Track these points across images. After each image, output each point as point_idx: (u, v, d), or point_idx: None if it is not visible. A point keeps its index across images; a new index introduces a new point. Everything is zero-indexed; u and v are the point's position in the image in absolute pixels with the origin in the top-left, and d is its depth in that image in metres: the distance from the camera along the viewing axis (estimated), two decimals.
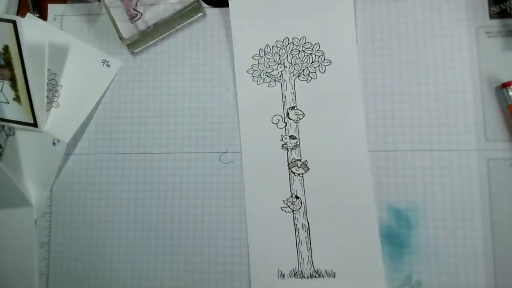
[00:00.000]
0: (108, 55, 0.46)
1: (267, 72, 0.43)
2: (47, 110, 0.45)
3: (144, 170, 0.44)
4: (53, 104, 0.45)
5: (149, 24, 0.43)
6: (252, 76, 0.44)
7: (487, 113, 0.40)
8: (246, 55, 0.44)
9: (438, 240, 0.39)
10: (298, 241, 0.41)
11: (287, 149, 0.42)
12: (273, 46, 0.44)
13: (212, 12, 0.46)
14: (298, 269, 0.41)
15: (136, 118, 0.45)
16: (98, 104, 0.46)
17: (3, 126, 0.46)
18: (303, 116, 0.42)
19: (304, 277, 0.40)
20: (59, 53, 0.46)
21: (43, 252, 0.44)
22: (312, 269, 0.40)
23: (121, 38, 0.43)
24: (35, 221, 0.45)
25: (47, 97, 0.45)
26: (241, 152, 0.43)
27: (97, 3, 0.47)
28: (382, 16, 0.43)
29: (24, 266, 0.44)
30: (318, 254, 0.41)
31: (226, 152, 0.43)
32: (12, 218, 0.45)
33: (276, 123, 0.43)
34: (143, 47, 0.46)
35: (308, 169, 0.42)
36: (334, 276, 0.40)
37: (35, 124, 0.44)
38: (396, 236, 0.40)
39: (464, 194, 0.40)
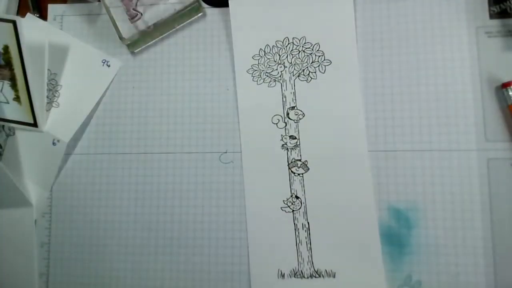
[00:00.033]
0: (108, 55, 0.46)
1: (267, 72, 0.43)
2: (47, 110, 0.45)
3: (144, 170, 0.44)
4: (53, 104, 0.45)
5: (149, 24, 0.43)
6: (252, 76, 0.44)
7: (487, 113, 0.40)
8: (246, 55, 0.44)
9: (438, 240, 0.39)
10: (298, 241, 0.41)
11: (287, 149, 0.42)
12: (273, 46, 0.44)
13: (212, 12, 0.46)
14: (298, 269, 0.41)
15: (136, 118, 0.45)
16: (98, 104, 0.46)
17: (3, 126, 0.46)
18: (303, 116, 0.42)
19: (304, 277, 0.40)
20: (59, 53, 0.46)
21: (43, 252, 0.44)
22: (312, 269, 0.40)
23: (121, 38, 0.43)
24: (35, 221, 0.45)
25: (47, 97, 0.45)
26: (241, 152, 0.43)
27: (97, 3, 0.47)
28: (382, 16, 0.43)
29: (24, 266, 0.44)
30: (318, 254, 0.41)
31: (226, 152, 0.43)
32: (12, 218, 0.45)
33: (276, 123, 0.43)
34: (143, 47, 0.46)
35: (308, 169, 0.42)
36: (334, 276, 0.40)
37: (35, 124, 0.44)
38: (396, 236, 0.40)
39: (464, 194, 0.40)
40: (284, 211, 0.41)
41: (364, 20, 0.43)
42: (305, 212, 0.41)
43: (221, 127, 0.44)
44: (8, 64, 0.42)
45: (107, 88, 0.46)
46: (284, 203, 0.42)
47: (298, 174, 0.42)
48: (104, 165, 0.45)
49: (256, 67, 0.44)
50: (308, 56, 0.43)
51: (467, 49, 0.41)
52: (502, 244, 0.39)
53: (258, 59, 0.44)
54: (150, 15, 0.44)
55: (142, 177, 0.44)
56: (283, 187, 0.42)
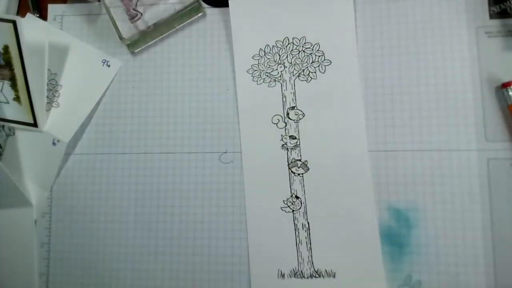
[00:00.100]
0: (108, 55, 0.46)
1: (267, 72, 0.43)
2: (47, 110, 0.45)
3: (144, 170, 0.44)
4: (53, 104, 0.45)
5: (149, 24, 0.43)
6: (252, 76, 0.44)
7: (487, 113, 0.40)
8: (246, 55, 0.44)
9: (438, 240, 0.39)
10: (298, 241, 0.41)
11: (287, 149, 0.42)
12: (273, 46, 0.44)
13: (212, 12, 0.46)
14: (298, 269, 0.41)
15: (136, 118, 0.45)
16: (98, 104, 0.46)
17: (3, 126, 0.46)
18: (303, 116, 0.42)
19: (304, 277, 0.40)
20: (59, 53, 0.46)
21: (43, 252, 0.44)
22: (312, 269, 0.40)
23: (121, 38, 0.43)
24: (35, 221, 0.45)
25: (47, 97, 0.45)
26: (241, 152, 0.43)
27: (97, 3, 0.47)
28: (382, 16, 0.43)
29: (24, 266, 0.44)
30: (318, 254, 0.41)
31: (226, 152, 0.43)
32: (12, 218, 0.45)
33: (276, 123, 0.43)
34: (143, 47, 0.46)
35: (308, 169, 0.42)
36: (334, 276, 0.40)
37: (35, 124, 0.44)
38: (396, 236, 0.40)
39: (464, 194, 0.40)
40: (284, 211, 0.41)
41: (364, 20, 0.43)
42: (305, 212, 0.41)
43: (221, 127, 0.44)
44: (8, 64, 0.42)
45: (107, 88, 0.46)
46: (284, 203, 0.42)
47: (298, 174, 0.42)
48: (104, 165, 0.45)
49: (256, 67, 0.44)
50: (308, 56, 0.43)
51: (467, 49, 0.41)
52: (502, 244, 0.39)
53: (258, 59, 0.44)
54: (150, 15, 0.44)
55: (142, 177, 0.44)
56: (283, 187, 0.42)
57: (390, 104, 0.42)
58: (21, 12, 0.48)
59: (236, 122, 0.44)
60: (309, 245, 0.41)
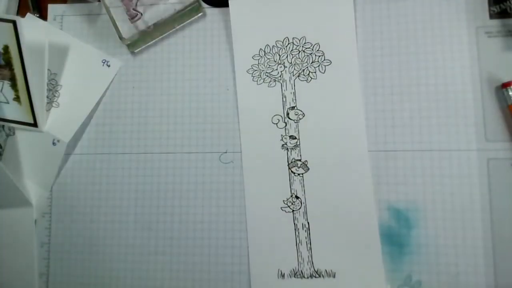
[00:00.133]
0: (108, 55, 0.46)
1: (267, 72, 0.43)
2: (47, 110, 0.45)
3: (144, 170, 0.44)
4: (53, 104, 0.45)
5: (149, 24, 0.43)
6: (252, 76, 0.44)
7: (487, 113, 0.40)
8: (246, 55, 0.44)
9: (438, 240, 0.39)
10: (298, 241, 0.41)
11: (287, 149, 0.42)
12: (273, 46, 0.44)
13: (212, 12, 0.46)
14: (298, 269, 0.41)
15: (136, 118, 0.45)
16: (98, 104, 0.46)
17: (3, 126, 0.46)
18: (303, 116, 0.42)
19: (304, 277, 0.40)
20: (59, 53, 0.46)
21: (43, 252, 0.44)
22: (312, 269, 0.40)
23: (121, 38, 0.43)
24: (35, 221, 0.45)
25: (47, 97, 0.45)
26: (241, 152, 0.43)
27: (97, 3, 0.47)
28: (382, 16, 0.43)
29: (24, 266, 0.44)
30: (318, 254, 0.41)
31: (226, 152, 0.43)
32: (12, 218, 0.45)
33: (276, 123, 0.43)
34: (143, 47, 0.46)
35: (308, 169, 0.42)
36: (334, 276, 0.40)
37: (35, 124, 0.44)
38: (396, 236, 0.40)
39: (464, 194, 0.40)
40: (284, 211, 0.41)
41: (364, 20, 0.43)
42: (305, 212, 0.41)
43: (221, 127, 0.44)
44: (8, 64, 0.42)
45: (107, 88, 0.46)
46: (284, 203, 0.42)
47: (298, 174, 0.42)
48: (104, 165, 0.45)
49: (256, 67, 0.44)
50: (308, 56, 0.43)
51: (467, 49, 0.41)
52: (502, 244, 0.39)
53: (258, 59, 0.44)
54: (150, 15, 0.44)
55: (142, 177, 0.44)
56: (283, 187, 0.42)
57: (390, 104, 0.42)
58: (21, 12, 0.48)
59: (236, 122, 0.44)
60: (309, 245, 0.41)
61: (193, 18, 0.45)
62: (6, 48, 0.42)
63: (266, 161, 0.42)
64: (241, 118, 0.43)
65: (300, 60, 0.43)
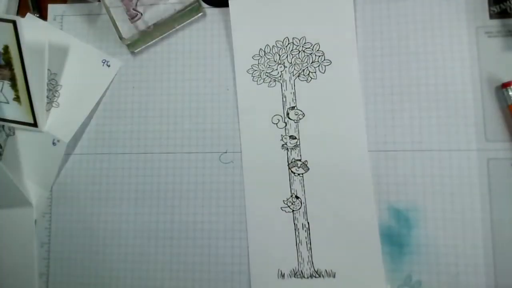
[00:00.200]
0: (108, 55, 0.46)
1: (267, 72, 0.43)
2: (47, 110, 0.45)
3: (144, 170, 0.44)
4: (53, 104, 0.45)
5: (149, 24, 0.43)
6: (252, 76, 0.44)
7: (487, 113, 0.40)
8: (246, 55, 0.44)
9: (438, 240, 0.39)
10: (298, 241, 0.41)
11: (287, 149, 0.42)
12: (273, 46, 0.44)
13: (212, 12, 0.46)
14: (298, 269, 0.41)
15: (136, 118, 0.45)
16: (98, 104, 0.46)
17: (3, 126, 0.46)
18: (303, 116, 0.42)
19: (304, 277, 0.40)
20: (59, 53, 0.46)
21: (43, 252, 0.44)
22: (312, 269, 0.40)
23: (121, 38, 0.43)
24: (35, 221, 0.45)
25: (47, 97, 0.45)
26: (241, 152, 0.43)
27: (97, 3, 0.47)
28: (382, 16, 0.43)
29: (24, 266, 0.44)
30: (318, 254, 0.41)
31: (226, 152, 0.43)
32: (12, 218, 0.45)
33: (276, 123, 0.43)
34: (143, 47, 0.46)
35: (308, 169, 0.42)
36: (334, 276, 0.40)
37: (35, 124, 0.44)
38: (396, 236, 0.40)
39: (464, 194, 0.40)
40: (284, 211, 0.41)
41: (364, 20, 0.43)
42: (305, 212, 0.41)
43: (221, 127, 0.44)
44: (8, 64, 0.42)
45: (107, 88, 0.46)
46: (284, 203, 0.42)
47: (298, 174, 0.42)
48: (104, 165, 0.45)
49: (256, 67, 0.44)
50: (308, 56, 0.43)
51: (467, 49, 0.41)
52: (502, 244, 0.39)
53: (258, 59, 0.44)
54: (150, 15, 0.44)
55: (142, 177, 0.44)
56: (283, 187, 0.42)
57: (390, 104, 0.42)
58: (21, 12, 0.48)
59: (236, 122, 0.44)
60: (309, 245, 0.41)
61: (193, 18, 0.45)
62: (6, 48, 0.42)
63: (266, 161, 0.42)
64: (241, 118, 0.43)
65: (300, 60, 0.43)
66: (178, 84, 0.45)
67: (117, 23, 0.43)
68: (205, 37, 0.45)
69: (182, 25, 0.45)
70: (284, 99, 0.43)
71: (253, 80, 0.43)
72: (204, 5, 0.45)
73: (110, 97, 0.46)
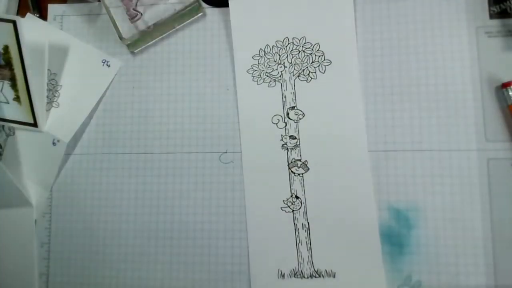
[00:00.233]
0: (108, 55, 0.46)
1: (267, 72, 0.43)
2: (47, 110, 0.45)
3: (144, 170, 0.44)
4: (53, 104, 0.45)
5: (149, 24, 0.43)
6: (252, 76, 0.44)
7: (487, 113, 0.40)
8: (246, 55, 0.44)
9: (438, 240, 0.39)
10: (298, 241, 0.41)
11: (287, 149, 0.42)
12: (273, 46, 0.44)
13: (212, 12, 0.46)
14: (298, 269, 0.41)
15: (136, 118, 0.45)
16: (98, 104, 0.46)
17: (3, 126, 0.46)
18: (303, 116, 0.42)
19: (304, 277, 0.40)
20: (59, 53, 0.46)
21: (43, 252, 0.44)
22: (312, 269, 0.40)
23: (121, 38, 0.43)
24: (35, 221, 0.45)
25: (47, 97, 0.45)
26: (241, 152, 0.43)
27: (97, 3, 0.47)
28: (382, 16, 0.43)
29: (24, 266, 0.44)
30: (318, 254, 0.41)
31: (226, 152, 0.43)
32: (12, 218, 0.45)
33: (276, 123, 0.43)
34: (143, 47, 0.46)
35: (308, 169, 0.42)
36: (334, 276, 0.40)
37: (35, 124, 0.44)
38: (396, 236, 0.40)
39: (464, 194, 0.40)
40: (284, 211, 0.41)
41: (364, 20, 0.43)
42: (305, 212, 0.41)
43: (221, 127, 0.44)
44: (8, 64, 0.42)
45: (107, 88, 0.46)
46: (284, 203, 0.42)
47: (298, 174, 0.42)
48: (104, 165, 0.45)
49: (256, 67, 0.44)
50: (308, 56, 0.43)
51: (467, 49, 0.41)
52: (502, 244, 0.39)
53: (258, 59, 0.44)
54: (150, 15, 0.44)
55: (142, 177, 0.44)
56: (283, 187, 0.42)
57: (390, 104, 0.42)
58: (21, 12, 0.48)
59: (236, 122, 0.44)
60: (309, 245, 0.41)
61: (193, 18, 0.45)
62: (6, 48, 0.42)
63: (266, 161, 0.42)
64: (241, 118, 0.43)
65: (300, 60, 0.43)
66: (178, 84, 0.45)
67: (117, 23, 0.43)
68: (205, 37, 0.45)
69: (182, 25, 0.45)
70: (284, 99, 0.43)
71: (253, 80, 0.43)
72: (204, 5, 0.45)
73: (110, 97, 0.46)
